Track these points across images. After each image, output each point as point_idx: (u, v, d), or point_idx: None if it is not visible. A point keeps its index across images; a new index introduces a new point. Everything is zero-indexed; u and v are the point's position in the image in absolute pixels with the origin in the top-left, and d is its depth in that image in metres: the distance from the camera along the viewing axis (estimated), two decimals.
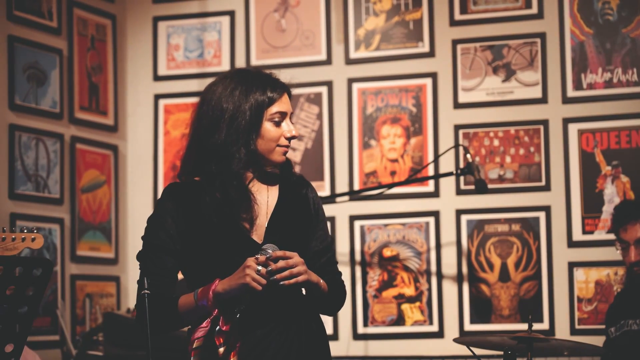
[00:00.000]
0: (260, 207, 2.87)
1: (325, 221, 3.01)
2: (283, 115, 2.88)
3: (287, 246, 2.77)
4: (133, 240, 5.54)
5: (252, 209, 2.84)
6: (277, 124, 2.87)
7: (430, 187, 5.19)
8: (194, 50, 5.60)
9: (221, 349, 2.71)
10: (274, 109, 2.86)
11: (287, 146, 2.88)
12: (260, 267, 2.70)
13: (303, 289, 2.87)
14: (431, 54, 5.25)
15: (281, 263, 2.71)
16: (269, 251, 2.73)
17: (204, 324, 2.74)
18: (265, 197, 2.90)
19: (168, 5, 5.66)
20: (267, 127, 2.85)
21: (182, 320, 2.80)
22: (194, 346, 2.75)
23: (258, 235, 2.84)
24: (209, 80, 2.99)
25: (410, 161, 5.23)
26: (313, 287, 2.82)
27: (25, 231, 3.12)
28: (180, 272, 2.89)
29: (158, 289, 2.80)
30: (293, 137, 2.88)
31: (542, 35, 5.12)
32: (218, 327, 2.71)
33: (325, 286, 2.87)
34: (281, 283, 2.71)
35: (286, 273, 2.71)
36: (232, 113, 2.83)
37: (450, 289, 5.11)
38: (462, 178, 5.13)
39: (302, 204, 2.94)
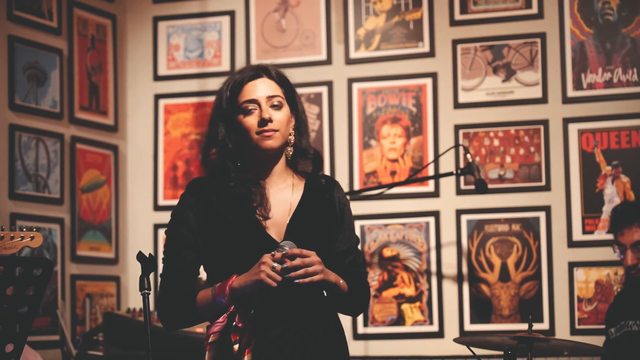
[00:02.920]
0: (282, 205, 2.86)
1: (352, 222, 2.98)
2: (253, 102, 2.83)
3: (307, 245, 2.75)
4: (133, 240, 5.54)
5: (266, 205, 2.83)
6: (248, 114, 2.83)
7: (430, 187, 5.19)
8: (194, 50, 5.60)
9: (236, 346, 2.71)
10: (241, 99, 2.85)
11: (267, 131, 2.81)
12: (275, 264, 2.68)
13: (324, 291, 2.85)
14: (431, 54, 5.26)
15: (297, 261, 2.69)
16: (286, 248, 2.72)
17: (221, 319, 2.74)
18: (289, 195, 2.88)
19: (168, 5, 5.66)
20: (240, 119, 2.84)
21: (200, 316, 2.80)
22: (209, 340, 2.75)
23: (278, 233, 2.82)
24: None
25: (410, 161, 5.24)
26: (331, 287, 2.80)
27: (25, 230, 3.12)
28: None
29: (177, 283, 2.81)
30: (268, 121, 2.81)
31: (542, 35, 5.12)
32: (234, 323, 2.71)
33: (346, 287, 2.84)
34: (295, 281, 2.69)
35: (301, 272, 2.69)
36: (214, 112, 2.88)
37: (450, 289, 5.11)
38: (462, 178, 5.13)
39: (326, 203, 2.91)
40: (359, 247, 3.00)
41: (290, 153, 2.90)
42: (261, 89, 2.85)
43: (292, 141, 2.90)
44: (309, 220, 2.86)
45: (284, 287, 2.69)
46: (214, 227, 2.82)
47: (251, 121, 2.83)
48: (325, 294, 2.84)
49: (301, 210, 2.86)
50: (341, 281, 2.83)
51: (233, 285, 2.71)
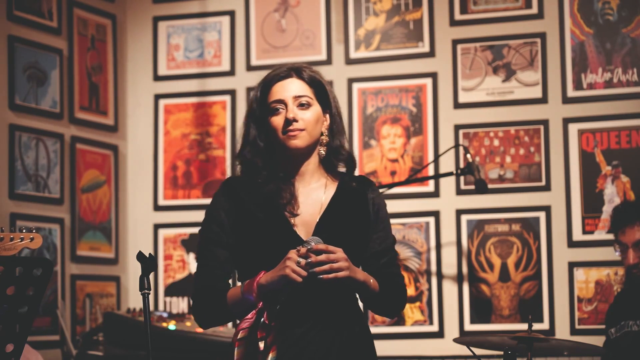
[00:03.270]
0: (313, 204, 2.86)
1: (388, 223, 2.96)
2: (280, 102, 2.85)
3: (336, 244, 2.74)
4: (133, 240, 5.54)
5: (295, 203, 2.83)
6: (276, 114, 2.85)
7: (430, 187, 5.19)
8: (194, 50, 5.60)
9: (261, 343, 2.72)
10: (270, 99, 2.87)
11: (292, 130, 2.82)
12: (301, 259, 2.68)
13: (357, 295, 2.85)
14: (431, 54, 5.26)
15: (322, 256, 2.68)
16: (312, 244, 2.71)
17: (249, 316, 2.75)
18: (321, 195, 2.88)
19: (168, 5, 5.66)
20: (269, 119, 2.86)
21: (230, 313, 2.82)
22: (238, 337, 2.76)
23: (306, 232, 2.82)
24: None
25: (410, 161, 5.24)
26: (358, 286, 2.79)
27: (24, 231, 3.12)
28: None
29: (209, 281, 2.83)
30: (292, 121, 2.83)
31: (542, 35, 5.12)
32: (262, 319, 2.72)
33: (376, 286, 2.83)
34: (319, 277, 2.68)
35: (326, 267, 2.68)
36: (247, 112, 2.93)
37: (450, 289, 5.11)
38: (462, 178, 5.13)
39: (359, 203, 2.90)
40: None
41: (324, 153, 2.90)
42: (288, 89, 2.86)
43: (325, 141, 2.90)
44: (338, 220, 2.85)
45: (309, 283, 2.69)
46: (244, 224, 2.83)
47: (278, 121, 2.84)
48: (357, 296, 2.84)
49: (331, 210, 2.86)
50: (371, 280, 2.82)
51: (260, 281, 2.72)
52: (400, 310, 2.97)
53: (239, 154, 2.92)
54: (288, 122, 2.82)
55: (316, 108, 2.88)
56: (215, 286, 2.83)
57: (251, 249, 2.82)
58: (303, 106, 2.86)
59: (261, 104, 2.89)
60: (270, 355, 2.71)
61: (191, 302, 2.88)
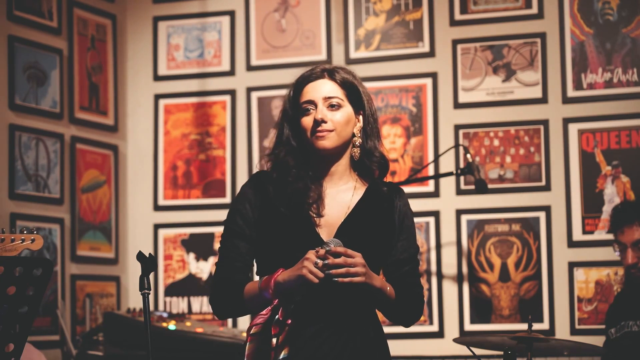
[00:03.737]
0: (339, 206, 2.86)
1: (413, 231, 2.94)
2: (310, 103, 2.86)
3: (357, 249, 2.73)
4: (133, 240, 5.54)
5: (321, 203, 2.83)
6: (306, 114, 2.86)
7: (430, 187, 5.19)
8: (194, 50, 5.60)
9: (274, 340, 2.72)
10: (301, 99, 2.87)
11: (320, 131, 2.82)
12: (319, 261, 2.68)
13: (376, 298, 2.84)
14: (431, 54, 5.26)
15: (340, 259, 2.68)
16: (331, 245, 2.71)
17: (264, 312, 2.76)
18: (349, 197, 2.87)
19: (168, 5, 5.66)
20: (300, 119, 2.86)
21: (245, 307, 2.82)
22: (251, 332, 2.76)
23: (329, 233, 2.81)
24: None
25: (410, 161, 5.24)
26: (374, 292, 2.78)
27: (25, 232, 3.12)
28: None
29: (228, 273, 2.83)
30: (321, 122, 2.83)
31: (542, 35, 5.12)
32: (277, 316, 2.72)
33: (393, 294, 2.82)
34: (335, 279, 2.67)
35: (342, 270, 2.67)
36: (281, 112, 2.93)
37: (450, 289, 5.11)
38: (462, 178, 5.13)
39: (385, 209, 2.89)
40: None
41: (357, 154, 2.89)
42: (319, 89, 2.87)
43: (358, 142, 2.89)
44: (362, 225, 2.84)
45: (325, 285, 2.68)
46: (267, 219, 2.84)
47: (308, 121, 2.85)
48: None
49: (356, 213, 2.86)
50: (388, 288, 2.81)
51: (278, 279, 2.72)
52: (415, 321, 2.95)
53: (271, 152, 2.92)
54: (317, 122, 2.83)
55: (347, 109, 2.87)
56: (234, 278, 2.83)
57: (272, 245, 2.82)
58: (333, 107, 2.85)
59: (293, 104, 2.89)
60: (282, 353, 2.71)
61: (210, 292, 2.89)
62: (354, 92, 2.90)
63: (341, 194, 2.88)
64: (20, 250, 3.10)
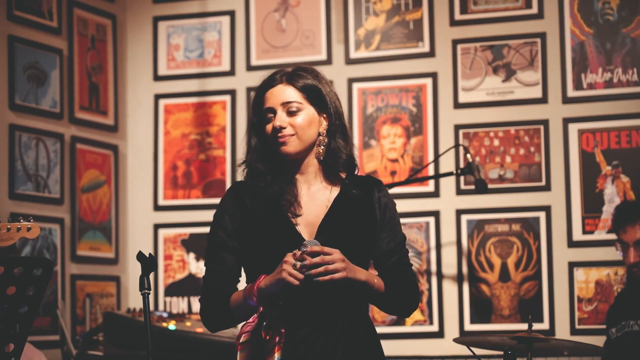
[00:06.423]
0: (317, 205, 2.86)
1: (397, 221, 2.95)
2: (270, 110, 2.86)
3: (339, 245, 2.74)
4: (133, 240, 5.54)
5: (297, 203, 2.84)
6: (268, 121, 2.86)
7: (430, 187, 5.19)
8: (194, 50, 5.60)
9: (266, 345, 2.72)
10: (263, 107, 2.88)
11: (281, 136, 2.82)
12: (297, 262, 2.68)
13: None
14: (431, 54, 5.26)
15: (317, 258, 2.68)
16: (308, 246, 2.71)
17: (251, 319, 2.77)
18: (326, 196, 2.88)
19: (168, 5, 5.66)
20: (265, 127, 2.87)
21: (234, 317, 2.83)
22: (240, 340, 2.76)
23: (310, 232, 2.82)
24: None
25: (410, 161, 5.24)
26: (360, 286, 2.77)
27: (21, 221, 3.09)
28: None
29: (215, 285, 2.85)
30: (280, 128, 2.82)
31: (542, 35, 5.12)
32: (265, 322, 2.73)
33: (381, 286, 2.82)
34: (315, 279, 2.67)
35: (321, 269, 2.67)
36: (248, 120, 2.95)
37: (450, 289, 5.11)
38: (462, 178, 5.13)
39: (364, 203, 2.90)
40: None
41: (322, 154, 2.89)
42: (277, 96, 2.87)
43: (323, 143, 2.89)
44: (342, 220, 2.85)
45: (308, 286, 2.68)
46: (249, 227, 2.85)
47: (269, 129, 2.86)
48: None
49: (335, 210, 2.86)
50: (375, 280, 2.81)
51: (260, 285, 2.73)
52: (413, 309, 2.94)
53: (243, 161, 2.93)
54: (275, 129, 2.83)
55: (308, 112, 2.86)
56: (221, 290, 2.84)
57: (257, 251, 2.83)
58: (292, 112, 2.85)
59: (257, 111, 2.90)
60: (275, 355, 2.71)
61: (199, 305, 2.90)
62: (314, 94, 2.88)
63: (318, 193, 2.88)
64: (16, 239, 3.07)
